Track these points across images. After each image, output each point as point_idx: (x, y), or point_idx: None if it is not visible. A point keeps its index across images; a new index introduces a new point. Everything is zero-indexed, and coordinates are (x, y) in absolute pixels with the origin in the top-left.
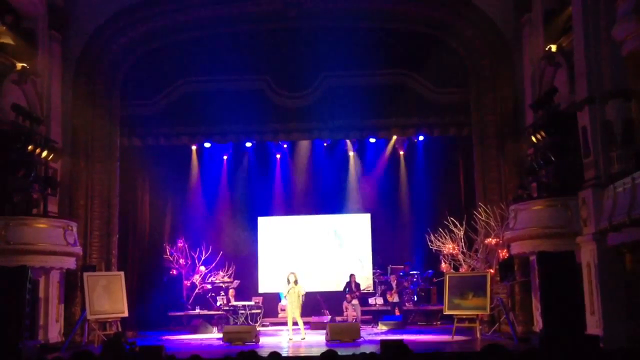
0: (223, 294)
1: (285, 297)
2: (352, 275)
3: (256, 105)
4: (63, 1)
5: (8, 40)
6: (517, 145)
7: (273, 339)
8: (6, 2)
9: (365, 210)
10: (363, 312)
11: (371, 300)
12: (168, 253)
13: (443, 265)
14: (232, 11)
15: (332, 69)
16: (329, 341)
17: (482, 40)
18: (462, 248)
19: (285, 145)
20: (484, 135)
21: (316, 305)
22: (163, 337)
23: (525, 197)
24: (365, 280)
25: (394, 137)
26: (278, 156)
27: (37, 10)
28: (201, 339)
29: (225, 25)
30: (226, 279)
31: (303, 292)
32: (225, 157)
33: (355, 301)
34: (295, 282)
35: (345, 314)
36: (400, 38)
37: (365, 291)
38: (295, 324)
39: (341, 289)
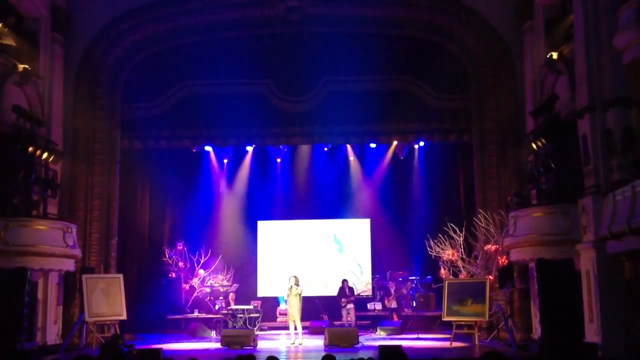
0: (222, 297)
1: (285, 300)
2: (344, 281)
3: (257, 109)
4: (66, 3)
5: (10, 41)
6: (517, 152)
7: (271, 343)
8: (8, 4)
9: (365, 216)
10: (362, 318)
11: (370, 306)
12: (167, 256)
13: (442, 271)
14: (234, 15)
15: (334, 74)
16: (327, 346)
17: (484, 47)
18: (462, 254)
19: (285, 150)
20: (485, 142)
21: (315, 309)
22: (161, 340)
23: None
24: (365, 286)
25: (395, 143)
26: (279, 160)
27: (39, 12)
28: (199, 342)
29: (227, 29)
30: (225, 282)
31: (302, 293)
32: (225, 161)
33: (350, 305)
34: (296, 284)
35: (343, 318)
36: (402, 44)
37: (364, 296)
38: (295, 327)
39: None
